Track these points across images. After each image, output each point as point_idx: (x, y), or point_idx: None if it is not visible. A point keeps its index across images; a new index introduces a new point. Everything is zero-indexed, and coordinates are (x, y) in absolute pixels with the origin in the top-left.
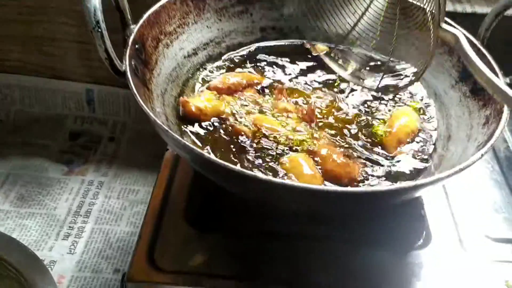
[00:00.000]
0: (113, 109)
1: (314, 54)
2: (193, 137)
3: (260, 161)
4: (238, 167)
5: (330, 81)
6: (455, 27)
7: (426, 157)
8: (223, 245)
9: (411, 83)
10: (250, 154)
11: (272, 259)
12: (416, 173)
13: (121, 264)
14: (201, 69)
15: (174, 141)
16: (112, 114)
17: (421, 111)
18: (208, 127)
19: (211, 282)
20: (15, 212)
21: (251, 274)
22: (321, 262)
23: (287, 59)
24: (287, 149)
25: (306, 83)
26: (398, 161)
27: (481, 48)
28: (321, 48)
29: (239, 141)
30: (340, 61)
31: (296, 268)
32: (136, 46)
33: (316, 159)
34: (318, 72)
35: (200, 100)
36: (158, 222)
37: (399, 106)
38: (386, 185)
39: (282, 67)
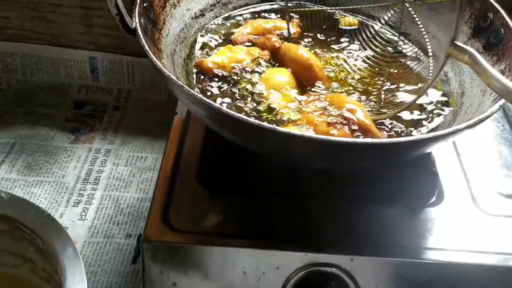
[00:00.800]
0: (117, 78)
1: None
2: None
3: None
4: (255, 120)
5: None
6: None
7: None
8: (236, 206)
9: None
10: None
11: (285, 218)
12: (430, 130)
13: (133, 229)
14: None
15: (190, 97)
16: (116, 83)
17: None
18: (220, 86)
19: (224, 241)
20: (22, 180)
21: (263, 232)
22: (334, 220)
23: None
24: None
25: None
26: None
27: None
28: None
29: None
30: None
31: (309, 227)
32: (144, 4)
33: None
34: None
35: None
36: (170, 185)
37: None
38: (406, 137)
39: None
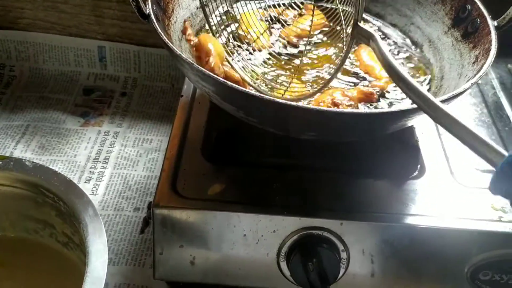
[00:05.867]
0: (124, 66)
1: None
2: None
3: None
4: (257, 93)
5: None
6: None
7: None
8: (237, 176)
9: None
10: None
11: (282, 187)
12: None
13: (140, 204)
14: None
15: (199, 73)
16: (123, 71)
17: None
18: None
19: (227, 207)
20: (37, 159)
21: (262, 200)
22: (326, 190)
23: None
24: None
25: None
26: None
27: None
28: None
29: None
30: None
31: (304, 196)
32: None
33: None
34: None
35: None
36: (177, 158)
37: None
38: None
39: None
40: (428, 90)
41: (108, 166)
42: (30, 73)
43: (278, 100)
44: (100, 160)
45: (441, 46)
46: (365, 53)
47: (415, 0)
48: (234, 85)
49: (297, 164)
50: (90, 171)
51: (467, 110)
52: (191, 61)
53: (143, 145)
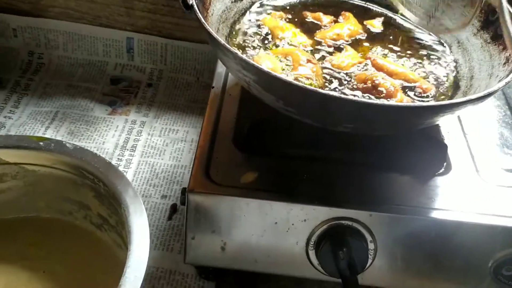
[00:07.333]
0: (150, 58)
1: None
2: None
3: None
4: (299, 83)
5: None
6: None
7: (450, 95)
8: (269, 166)
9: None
10: None
11: (312, 178)
12: None
13: (167, 191)
14: (245, 14)
15: (242, 62)
16: (149, 63)
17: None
18: None
19: (260, 195)
20: None
21: (293, 189)
22: (356, 183)
23: None
24: None
25: None
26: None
27: None
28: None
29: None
30: None
31: (333, 187)
32: None
33: None
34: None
35: None
36: (210, 147)
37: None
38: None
39: None
40: (457, 89)
41: (135, 154)
42: (59, 61)
43: (321, 90)
44: (128, 148)
45: (470, 47)
46: (387, 63)
47: (444, 2)
48: (278, 74)
49: (326, 156)
50: (118, 158)
51: (491, 112)
52: (235, 50)
53: (169, 135)
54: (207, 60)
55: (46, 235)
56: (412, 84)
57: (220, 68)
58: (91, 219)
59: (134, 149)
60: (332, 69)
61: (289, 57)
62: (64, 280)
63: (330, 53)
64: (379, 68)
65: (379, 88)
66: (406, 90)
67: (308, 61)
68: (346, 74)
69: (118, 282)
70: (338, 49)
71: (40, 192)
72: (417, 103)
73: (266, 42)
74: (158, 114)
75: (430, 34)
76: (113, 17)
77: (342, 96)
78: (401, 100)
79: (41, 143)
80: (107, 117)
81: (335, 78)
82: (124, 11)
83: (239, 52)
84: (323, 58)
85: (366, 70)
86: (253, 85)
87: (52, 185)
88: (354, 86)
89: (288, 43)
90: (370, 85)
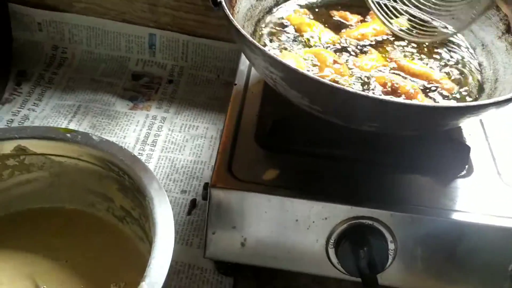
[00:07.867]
0: (172, 55)
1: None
2: None
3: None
4: (327, 80)
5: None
6: None
7: (475, 97)
8: (291, 164)
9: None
10: None
11: (333, 177)
12: None
13: (187, 187)
14: (269, 12)
15: (270, 59)
16: (171, 59)
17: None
18: None
19: (282, 191)
20: None
21: (315, 187)
22: (377, 183)
23: None
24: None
25: None
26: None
27: None
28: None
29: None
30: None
31: (355, 186)
32: None
33: None
34: None
35: None
36: (232, 143)
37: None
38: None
39: None
40: (482, 91)
41: (156, 149)
42: (82, 56)
43: (348, 88)
44: (148, 142)
45: (495, 50)
46: (409, 63)
47: (468, 4)
48: (305, 72)
49: (348, 155)
50: (139, 153)
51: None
52: (262, 46)
53: (189, 131)
54: (228, 58)
55: (70, 226)
56: (435, 85)
57: (243, 66)
58: (114, 212)
59: (154, 144)
60: (355, 71)
61: (310, 55)
62: (86, 270)
63: (356, 55)
64: (402, 69)
65: (398, 91)
66: (428, 91)
67: (335, 62)
68: (367, 77)
69: (139, 274)
70: (363, 51)
71: (65, 184)
72: (442, 104)
73: (291, 40)
74: (178, 110)
75: (455, 36)
76: (136, 13)
77: (370, 94)
78: (422, 102)
79: (68, 134)
80: (128, 112)
81: (358, 80)
82: (147, 8)
83: (266, 49)
84: (346, 60)
85: (383, 72)
86: (279, 82)
87: (77, 176)
88: (374, 90)
89: (313, 43)
90: (389, 89)
